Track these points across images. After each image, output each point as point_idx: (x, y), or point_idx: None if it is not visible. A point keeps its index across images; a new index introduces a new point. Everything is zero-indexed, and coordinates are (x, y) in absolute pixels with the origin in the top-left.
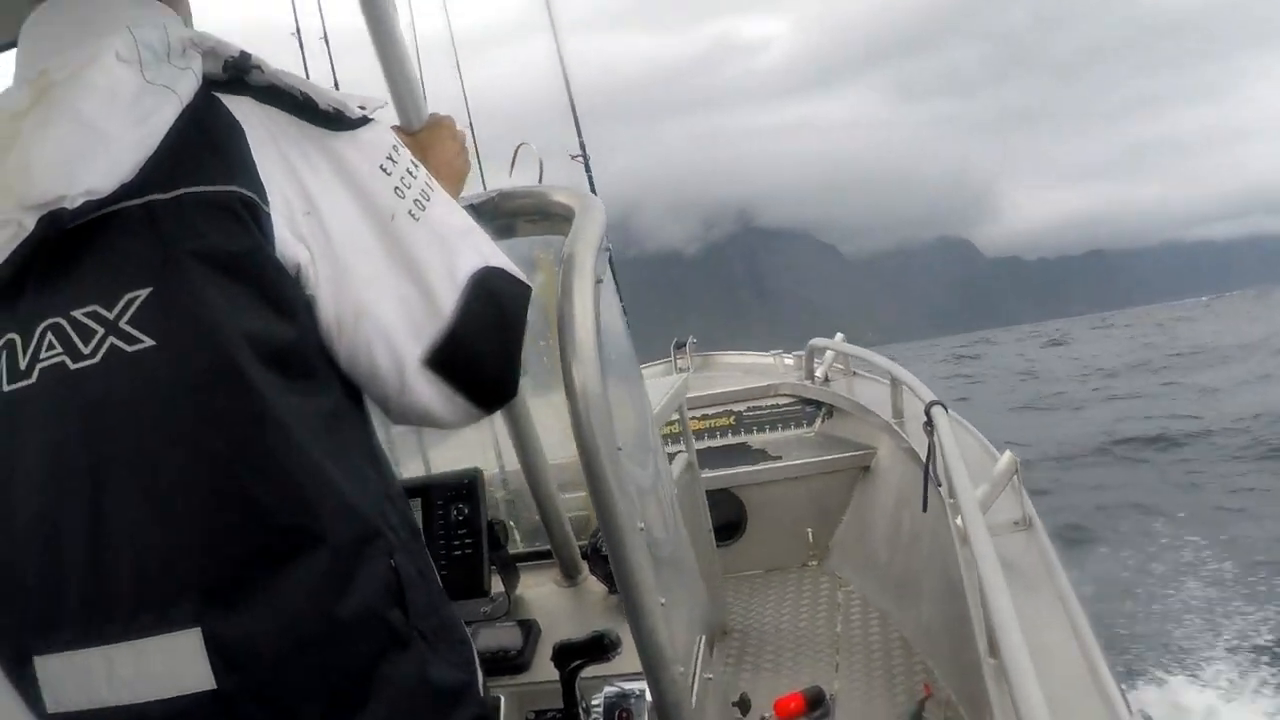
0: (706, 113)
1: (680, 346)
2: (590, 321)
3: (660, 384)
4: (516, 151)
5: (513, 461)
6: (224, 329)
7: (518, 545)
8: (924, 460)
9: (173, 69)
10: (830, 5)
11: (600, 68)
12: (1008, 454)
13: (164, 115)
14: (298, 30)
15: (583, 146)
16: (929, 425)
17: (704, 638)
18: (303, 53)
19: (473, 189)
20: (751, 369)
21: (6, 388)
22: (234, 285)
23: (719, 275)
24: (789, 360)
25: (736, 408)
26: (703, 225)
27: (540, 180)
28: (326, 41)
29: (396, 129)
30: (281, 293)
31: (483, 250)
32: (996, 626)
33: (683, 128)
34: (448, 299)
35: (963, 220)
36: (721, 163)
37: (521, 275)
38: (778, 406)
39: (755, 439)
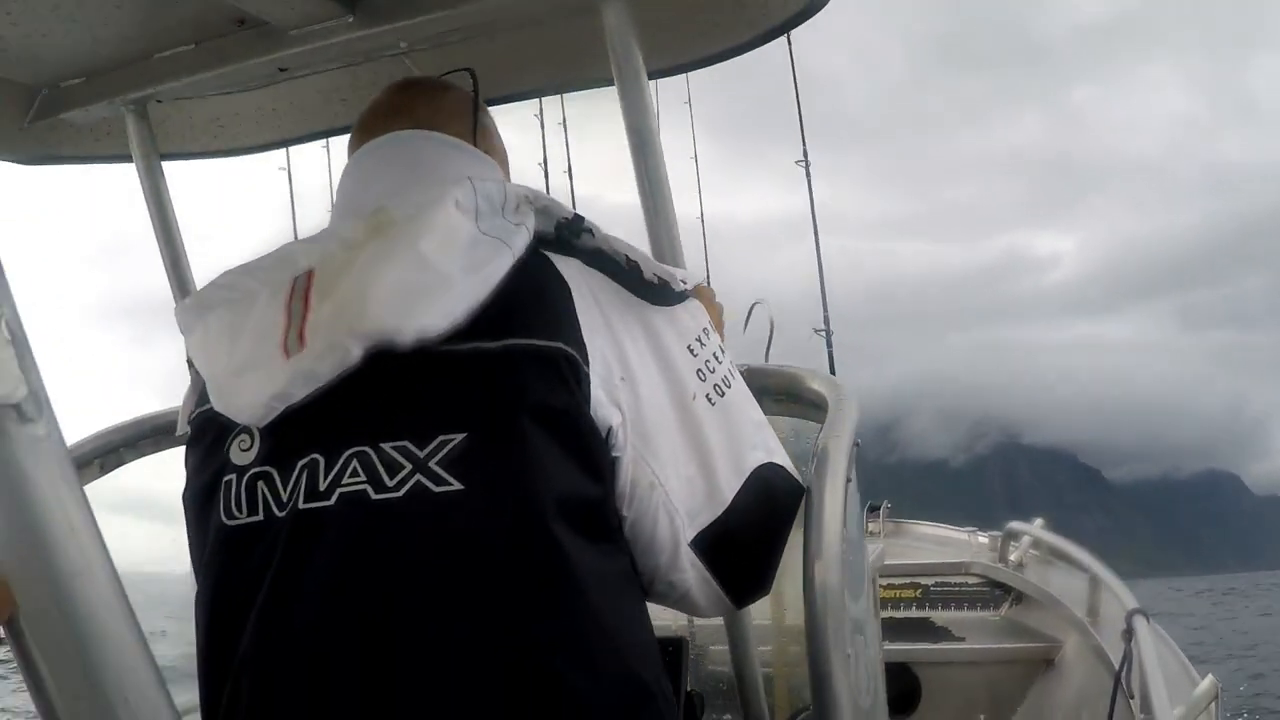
0: (987, 325)
1: (874, 510)
2: (838, 525)
3: None
4: (751, 310)
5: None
6: (535, 483)
7: None
8: (1116, 666)
9: (506, 223)
10: (1118, 227)
11: (884, 271)
12: (1209, 678)
13: (498, 266)
14: (545, 162)
15: (827, 321)
16: (1128, 632)
17: None
18: (547, 183)
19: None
20: (944, 543)
21: (303, 505)
22: (550, 441)
23: (978, 490)
24: (983, 539)
25: (924, 581)
26: (969, 437)
27: (769, 342)
28: (570, 175)
29: None
30: (593, 452)
31: (770, 446)
32: None
33: (962, 338)
34: (729, 487)
35: (1233, 455)
36: (995, 376)
37: (799, 476)
38: (966, 585)
39: (939, 615)
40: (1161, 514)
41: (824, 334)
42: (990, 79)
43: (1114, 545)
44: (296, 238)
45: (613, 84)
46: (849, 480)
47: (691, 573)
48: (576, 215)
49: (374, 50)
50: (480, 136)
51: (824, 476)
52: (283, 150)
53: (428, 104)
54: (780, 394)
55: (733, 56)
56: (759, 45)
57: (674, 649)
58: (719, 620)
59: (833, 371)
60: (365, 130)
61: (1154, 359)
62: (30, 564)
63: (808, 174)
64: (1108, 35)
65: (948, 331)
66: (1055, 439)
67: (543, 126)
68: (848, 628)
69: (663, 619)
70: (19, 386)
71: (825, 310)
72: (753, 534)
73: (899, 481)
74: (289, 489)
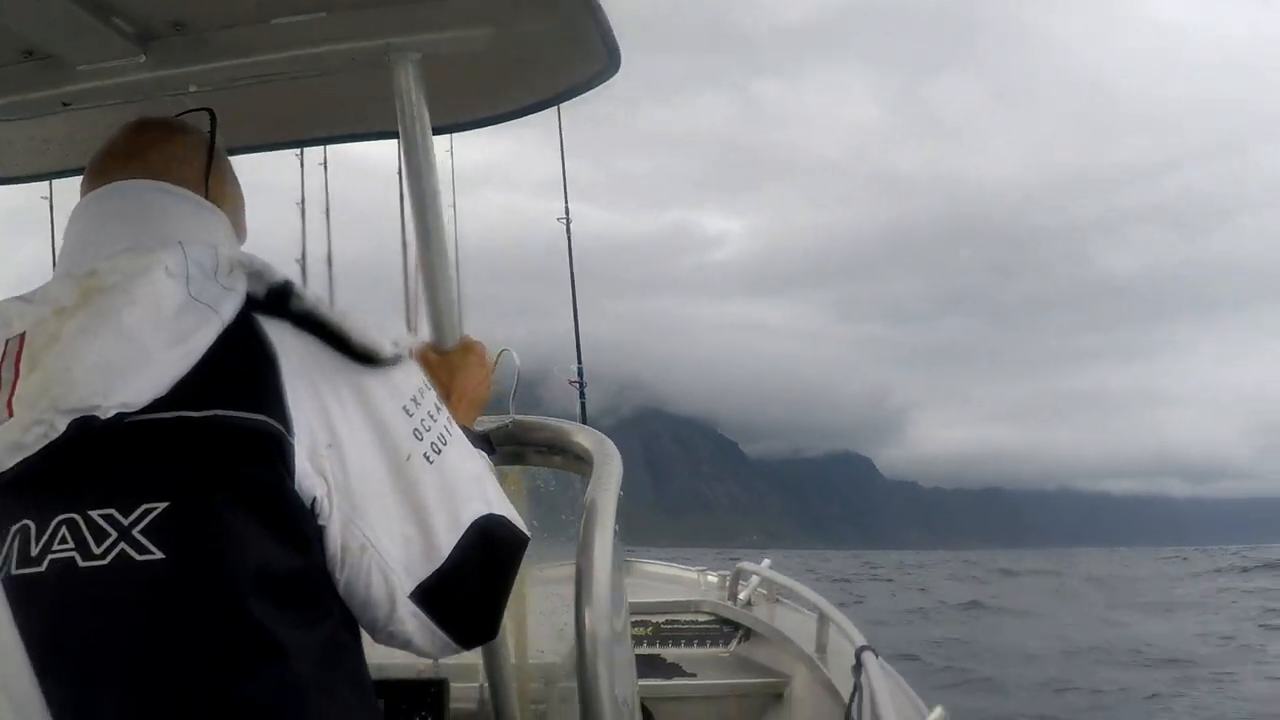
0: (647, 295)
1: None
2: (607, 575)
3: None
4: (498, 357)
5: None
6: (232, 555)
7: None
8: (845, 700)
9: (218, 288)
10: (787, 217)
11: (550, 230)
12: (938, 709)
13: (204, 335)
14: (302, 201)
15: (581, 374)
16: (858, 667)
17: None
18: (303, 224)
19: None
20: (674, 581)
21: (15, 571)
22: (250, 514)
23: (621, 451)
24: (712, 578)
25: (655, 619)
26: (616, 401)
27: (515, 390)
28: (327, 216)
29: (427, 345)
30: (295, 525)
31: (489, 497)
32: None
33: (620, 304)
34: (446, 542)
35: (870, 439)
36: (648, 345)
37: (522, 525)
38: (696, 623)
39: (669, 652)
40: (794, 489)
41: (577, 385)
42: (683, 61)
43: (746, 515)
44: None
45: (393, 136)
46: (615, 531)
47: (413, 622)
48: (286, 280)
49: (162, 90)
50: (214, 183)
51: (593, 529)
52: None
53: (160, 148)
54: (545, 447)
55: (514, 118)
56: (538, 110)
57: (436, 690)
58: (466, 660)
59: (584, 417)
60: (97, 173)
61: (805, 344)
62: None
63: (568, 232)
64: (803, 36)
65: (606, 297)
66: (698, 410)
67: (302, 166)
68: (616, 671)
69: (412, 659)
70: None
71: (580, 363)
72: (474, 583)
73: None
74: (2, 554)
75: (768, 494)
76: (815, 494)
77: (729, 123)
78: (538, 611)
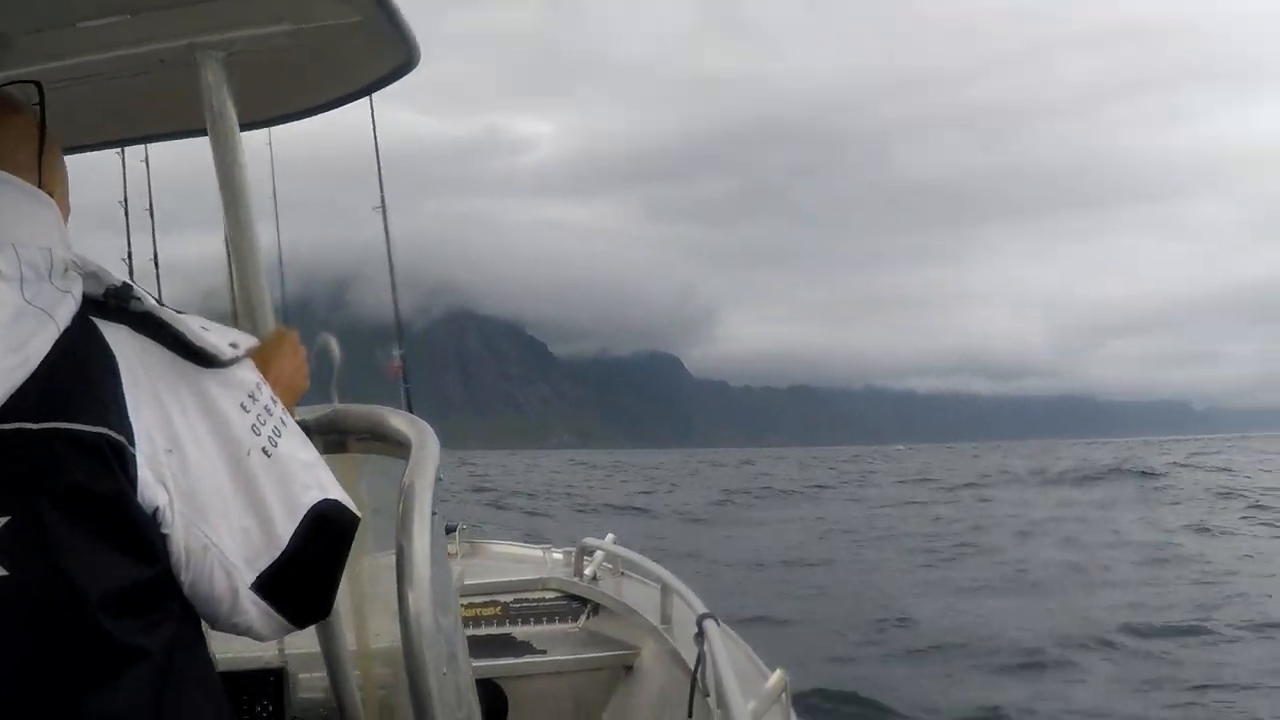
0: (460, 197)
1: (450, 531)
2: (426, 556)
3: None
4: (318, 345)
5: (292, 645)
6: (75, 568)
7: None
8: (691, 668)
9: (54, 290)
10: (599, 119)
11: (365, 131)
12: (779, 672)
13: (40, 341)
14: (125, 200)
15: (405, 360)
16: (700, 636)
17: None
18: (127, 223)
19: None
20: (521, 560)
21: None
22: (91, 526)
23: (430, 355)
24: (558, 555)
25: (503, 599)
26: (427, 301)
27: (335, 376)
28: (152, 214)
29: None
30: (138, 535)
31: (323, 482)
32: None
33: (437, 205)
34: (284, 532)
35: (678, 339)
36: (459, 247)
37: (354, 507)
38: (544, 600)
39: (520, 631)
40: (605, 390)
41: (402, 371)
42: None
43: (556, 415)
44: None
45: (205, 134)
46: (434, 514)
47: (253, 610)
48: (125, 283)
49: None
50: (46, 167)
51: (411, 512)
52: None
53: None
54: (365, 433)
55: (321, 112)
56: (346, 103)
57: (275, 679)
58: (311, 649)
59: (410, 409)
60: None
61: (613, 244)
62: None
63: (385, 220)
64: None
65: (421, 197)
66: (508, 311)
67: (124, 165)
68: (441, 649)
69: (254, 650)
70: None
71: (401, 349)
72: (312, 566)
73: (355, 341)
74: None
75: (577, 394)
76: (625, 394)
77: (538, 25)
78: (373, 597)
